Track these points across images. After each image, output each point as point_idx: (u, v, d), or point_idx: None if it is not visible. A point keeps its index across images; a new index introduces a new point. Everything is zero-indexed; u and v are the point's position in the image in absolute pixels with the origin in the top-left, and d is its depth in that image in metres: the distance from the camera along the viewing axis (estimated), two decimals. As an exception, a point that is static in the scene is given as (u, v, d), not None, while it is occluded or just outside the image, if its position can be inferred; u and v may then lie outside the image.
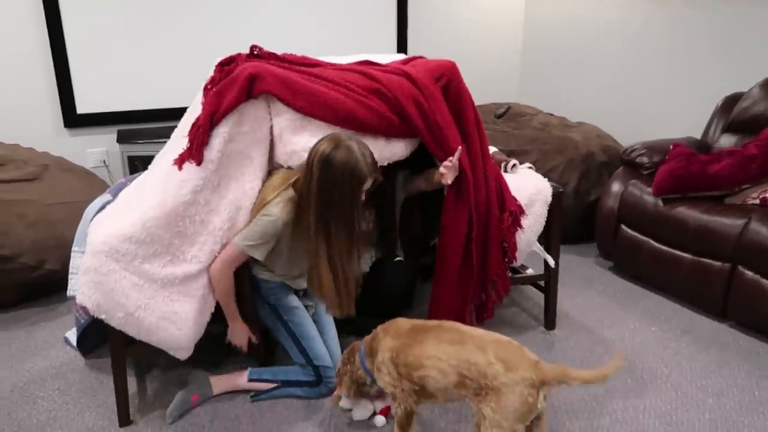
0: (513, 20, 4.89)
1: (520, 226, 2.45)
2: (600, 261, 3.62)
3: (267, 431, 2.17)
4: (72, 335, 2.63)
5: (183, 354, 2.16)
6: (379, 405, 2.21)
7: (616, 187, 3.43)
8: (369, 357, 2.00)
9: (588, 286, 3.30)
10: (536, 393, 1.71)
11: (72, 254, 2.39)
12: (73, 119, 4.10)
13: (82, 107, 4.11)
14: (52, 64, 3.92)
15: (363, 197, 2.04)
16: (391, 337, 1.93)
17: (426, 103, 2.25)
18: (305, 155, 2.13)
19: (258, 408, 2.30)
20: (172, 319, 2.08)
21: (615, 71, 4.27)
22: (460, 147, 2.25)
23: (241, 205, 2.13)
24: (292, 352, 2.30)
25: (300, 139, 2.16)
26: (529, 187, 2.57)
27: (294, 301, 2.32)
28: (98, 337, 2.56)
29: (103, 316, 2.01)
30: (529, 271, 3.11)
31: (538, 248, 2.66)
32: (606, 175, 3.68)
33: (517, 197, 2.49)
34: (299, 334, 2.27)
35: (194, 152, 2.04)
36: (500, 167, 2.62)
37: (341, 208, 1.99)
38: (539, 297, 3.09)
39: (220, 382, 2.33)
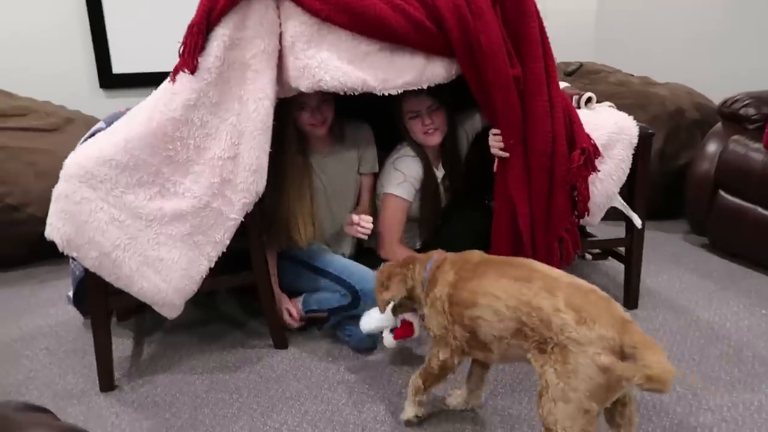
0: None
1: (594, 169, 1.94)
2: (691, 238, 3.02)
3: (270, 406, 1.77)
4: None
5: (169, 311, 1.80)
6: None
7: (712, 147, 2.84)
8: (428, 289, 1.58)
9: (675, 264, 2.73)
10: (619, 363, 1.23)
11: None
12: (108, 79, 3.90)
13: (118, 67, 3.90)
14: (88, 23, 3.72)
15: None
16: (456, 270, 1.52)
17: (471, 19, 1.79)
18: (320, 74, 1.72)
19: (263, 379, 1.91)
20: (156, 266, 1.72)
21: (704, 23, 3.65)
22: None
23: (244, 130, 1.75)
24: (325, 285, 2.07)
25: (316, 53, 1.74)
26: (608, 124, 2.06)
27: (321, 249, 2.16)
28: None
29: (74, 254, 1.67)
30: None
31: (620, 203, 2.14)
32: (699, 136, 3.08)
33: (593, 136, 1.99)
34: (325, 265, 2.08)
35: (187, 58, 1.67)
36: (571, 101, 2.12)
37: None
38: (615, 272, 2.56)
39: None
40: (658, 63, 3.94)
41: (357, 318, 1.92)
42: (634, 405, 1.36)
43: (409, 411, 1.63)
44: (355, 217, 2.01)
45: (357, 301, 2.00)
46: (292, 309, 2.12)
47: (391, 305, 1.71)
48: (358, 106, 2.24)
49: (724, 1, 3.58)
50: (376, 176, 2.25)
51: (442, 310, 1.51)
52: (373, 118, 2.28)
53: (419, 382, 1.61)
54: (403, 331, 1.80)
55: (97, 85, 3.88)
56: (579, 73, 3.66)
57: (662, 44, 3.98)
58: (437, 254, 1.63)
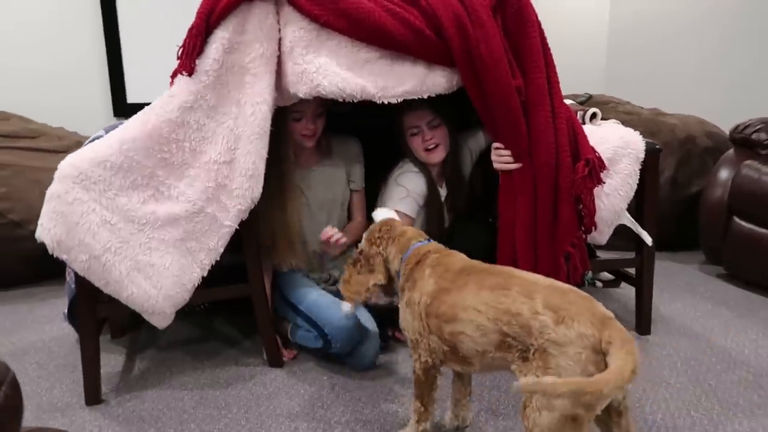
0: (598, 12, 4.40)
1: (600, 182, 1.88)
2: (706, 268, 2.92)
3: (259, 423, 1.68)
4: (70, 309, 2.30)
5: (159, 320, 1.74)
6: None
7: (725, 173, 2.78)
8: (405, 284, 1.49)
9: (690, 292, 2.63)
10: (603, 362, 1.14)
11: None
12: (123, 108, 3.97)
13: (133, 97, 3.98)
14: (105, 56, 3.81)
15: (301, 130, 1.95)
16: (435, 278, 1.43)
17: (471, 28, 1.78)
18: (318, 79, 1.71)
19: (255, 396, 1.82)
20: (147, 272, 1.68)
21: (712, 56, 3.64)
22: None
23: (241, 134, 1.73)
24: (301, 322, 2.01)
25: (315, 58, 1.74)
26: (613, 138, 2.02)
27: (298, 280, 2.10)
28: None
29: (64, 257, 1.63)
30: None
31: (629, 220, 2.07)
32: (711, 163, 3.01)
33: (598, 150, 1.94)
34: (298, 301, 2.02)
35: (185, 60, 1.67)
36: (576, 116, 2.08)
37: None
38: (627, 299, 2.46)
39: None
40: (668, 96, 3.92)
41: None
42: (630, 415, 1.27)
43: None
44: (325, 233, 1.93)
45: (329, 345, 1.93)
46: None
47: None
48: (356, 125, 2.24)
49: (732, 32, 3.58)
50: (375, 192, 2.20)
51: (418, 316, 1.43)
52: (371, 137, 2.27)
53: (417, 404, 1.51)
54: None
55: (111, 113, 3.94)
56: (588, 104, 3.64)
57: (672, 78, 3.97)
58: (416, 241, 1.54)
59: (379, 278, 1.56)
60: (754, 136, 2.70)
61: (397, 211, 2.07)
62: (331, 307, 1.94)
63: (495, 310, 1.27)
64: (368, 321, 1.99)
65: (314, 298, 2.01)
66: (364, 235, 1.64)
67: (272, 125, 1.78)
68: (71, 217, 1.61)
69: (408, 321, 1.47)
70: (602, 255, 2.43)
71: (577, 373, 1.15)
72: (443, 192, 2.20)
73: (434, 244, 1.55)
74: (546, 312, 1.20)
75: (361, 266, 1.60)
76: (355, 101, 1.78)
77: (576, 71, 4.34)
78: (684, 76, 3.89)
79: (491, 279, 1.34)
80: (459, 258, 1.49)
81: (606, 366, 1.14)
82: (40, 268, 2.79)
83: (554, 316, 1.19)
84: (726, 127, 3.35)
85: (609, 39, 4.44)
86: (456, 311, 1.33)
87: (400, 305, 1.52)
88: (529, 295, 1.24)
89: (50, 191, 1.63)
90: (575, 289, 1.29)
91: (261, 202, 1.81)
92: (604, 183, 1.90)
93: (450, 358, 1.39)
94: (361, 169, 2.19)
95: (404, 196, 2.08)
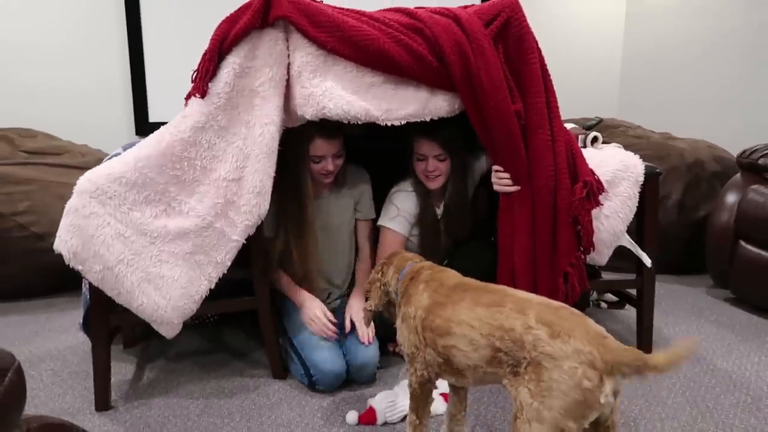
0: (612, 37, 4.44)
1: (598, 203, 1.92)
2: (714, 292, 2.92)
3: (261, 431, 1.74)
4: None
5: (168, 330, 1.81)
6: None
7: (732, 197, 2.79)
8: (401, 301, 1.55)
9: (696, 316, 2.63)
10: (598, 379, 1.17)
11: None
12: (144, 127, 4.09)
13: (155, 116, 4.10)
14: (130, 76, 3.95)
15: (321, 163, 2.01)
16: (429, 292, 1.48)
17: (471, 55, 1.85)
18: (324, 102, 1.79)
19: (257, 406, 1.88)
20: (157, 283, 1.76)
21: (725, 82, 3.66)
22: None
23: (249, 153, 1.81)
24: (292, 356, 2.06)
25: (321, 82, 1.82)
26: (613, 162, 2.06)
27: (297, 313, 2.12)
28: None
29: (79, 268, 1.72)
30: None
31: (629, 242, 2.10)
32: (719, 188, 3.03)
33: (597, 172, 1.98)
34: (293, 335, 2.07)
35: (198, 83, 1.76)
36: (577, 141, 2.13)
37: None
38: (630, 320, 2.48)
39: None
40: (680, 120, 3.95)
41: None
42: (618, 426, 1.29)
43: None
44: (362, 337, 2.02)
45: (313, 386, 1.96)
46: (321, 316, 2.03)
47: (380, 307, 1.68)
48: (365, 148, 2.31)
49: (745, 59, 3.60)
50: (373, 222, 2.25)
51: (414, 330, 1.47)
52: (381, 160, 2.34)
53: (413, 416, 1.55)
54: (366, 417, 1.76)
55: (134, 131, 4.07)
56: (598, 128, 3.67)
57: (684, 103, 3.99)
58: (412, 261, 1.62)
59: (371, 304, 1.66)
60: (761, 161, 2.71)
61: (388, 228, 2.15)
62: (322, 350, 1.97)
63: (489, 326, 1.30)
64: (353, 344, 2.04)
65: (308, 335, 2.04)
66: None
67: (290, 164, 1.92)
68: (87, 229, 1.71)
69: (404, 336, 1.52)
70: (605, 276, 2.45)
71: (571, 388, 1.17)
72: (439, 212, 2.25)
73: (428, 263, 1.61)
74: (539, 327, 1.23)
75: (367, 292, 1.70)
76: (359, 123, 1.85)
77: (590, 95, 4.38)
78: (696, 101, 3.91)
79: (487, 296, 1.38)
80: (452, 274, 1.55)
81: (601, 383, 1.17)
82: (60, 280, 2.88)
83: (549, 331, 1.22)
84: (736, 152, 3.37)
85: (623, 64, 4.48)
86: (450, 325, 1.37)
87: (397, 323, 1.58)
88: (522, 311, 1.28)
89: (69, 205, 1.72)
90: (567, 306, 1.32)
91: (281, 235, 2.04)
92: (602, 205, 1.94)
93: (444, 370, 1.43)
94: (369, 200, 2.24)
95: (395, 215, 2.16)
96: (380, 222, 2.17)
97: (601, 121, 3.80)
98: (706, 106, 3.84)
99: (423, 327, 1.45)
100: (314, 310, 2.04)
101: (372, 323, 1.96)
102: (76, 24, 3.73)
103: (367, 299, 1.71)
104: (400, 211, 2.15)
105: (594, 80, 4.46)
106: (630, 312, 2.55)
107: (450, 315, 1.39)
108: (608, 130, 3.66)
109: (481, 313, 1.34)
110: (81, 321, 2.20)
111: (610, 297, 2.69)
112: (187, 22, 3.96)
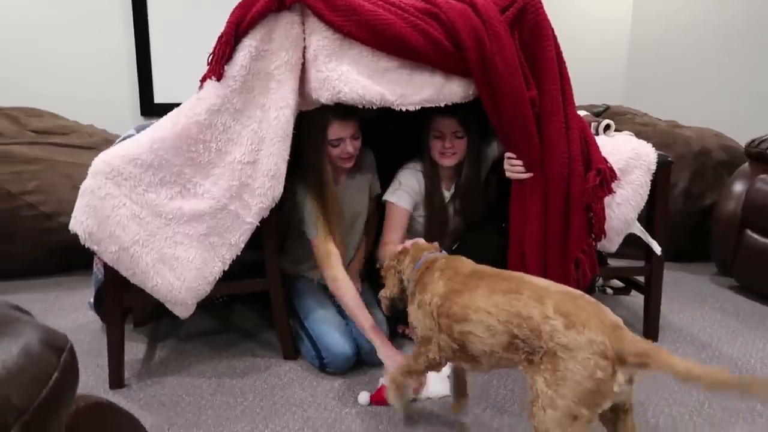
0: (619, 24, 4.42)
1: (611, 191, 1.93)
2: (718, 279, 2.94)
3: (273, 411, 1.76)
4: (95, 299, 2.41)
5: (182, 310, 1.83)
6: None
7: (739, 186, 2.80)
8: (415, 289, 1.58)
9: (700, 303, 2.66)
10: (611, 368, 1.20)
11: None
12: (150, 108, 4.08)
13: (160, 97, 4.08)
14: (135, 56, 3.92)
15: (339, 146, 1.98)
16: (445, 280, 1.50)
17: (487, 41, 1.85)
18: (340, 86, 1.79)
19: (270, 386, 1.91)
20: (172, 264, 1.77)
21: (732, 70, 3.66)
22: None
23: (264, 136, 1.82)
24: (303, 337, 2.07)
25: (337, 66, 1.82)
26: (626, 150, 2.07)
27: (308, 288, 2.16)
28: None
29: (94, 248, 1.74)
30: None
31: (639, 230, 2.11)
32: (725, 176, 3.04)
33: (610, 160, 1.99)
34: (305, 316, 2.08)
35: (214, 65, 1.76)
36: (589, 128, 2.13)
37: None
38: (637, 306, 2.50)
39: None
40: (686, 108, 3.95)
41: None
42: (632, 413, 1.33)
43: (397, 406, 1.63)
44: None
45: (324, 368, 1.97)
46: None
47: (396, 292, 1.71)
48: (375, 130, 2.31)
49: (753, 46, 3.59)
50: (378, 198, 2.27)
51: (430, 314, 1.49)
52: (391, 143, 2.35)
53: (400, 379, 1.59)
54: (377, 397, 1.78)
55: (139, 113, 4.05)
56: (605, 115, 3.67)
57: (691, 90, 3.99)
58: (428, 252, 1.64)
59: (387, 292, 1.68)
60: (768, 151, 2.72)
61: (389, 202, 2.16)
62: (333, 332, 1.99)
63: (506, 313, 1.32)
64: (382, 322, 2.06)
65: (319, 316, 2.05)
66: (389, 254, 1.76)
67: (308, 151, 1.93)
68: (103, 210, 1.71)
69: (419, 319, 1.54)
70: (612, 263, 2.48)
71: (585, 378, 1.19)
72: (448, 194, 2.26)
73: (444, 253, 1.64)
74: (557, 317, 1.25)
75: (381, 279, 1.73)
76: (374, 108, 1.86)
77: (596, 82, 4.38)
78: (703, 88, 3.91)
79: (503, 284, 1.40)
80: (467, 262, 1.57)
81: (614, 372, 1.19)
82: (69, 259, 2.90)
83: (565, 321, 1.24)
84: (743, 141, 3.37)
85: (630, 51, 4.47)
86: (467, 312, 1.39)
87: (410, 308, 1.60)
88: (540, 300, 1.30)
89: (84, 186, 1.73)
90: (585, 295, 1.33)
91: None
92: (614, 193, 1.96)
93: (459, 356, 1.46)
94: (376, 177, 2.27)
95: (396, 188, 2.18)
96: (384, 197, 2.20)
97: (608, 108, 3.81)
98: (713, 94, 3.84)
99: (439, 314, 1.47)
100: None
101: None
102: (80, 3, 3.69)
103: (382, 285, 1.73)
104: (402, 186, 2.17)
105: (601, 66, 4.45)
106: (635, 298, 2.58)
107: (467, 302, 1.41)
108: (615, 118, 3.65)
109: (498, 300, 1.35)
110: (91, 300, 2.22)
111: (615, 283, 2.72)
112: (192, 2, 3.93)
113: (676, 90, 4.11)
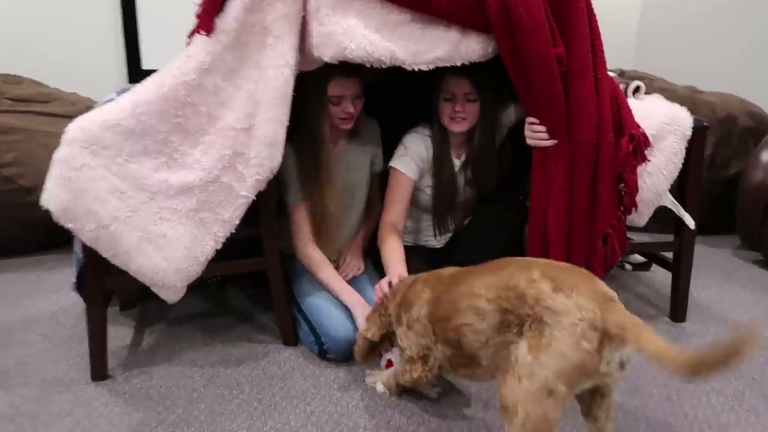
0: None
1: (644, 159, 1.75)
2: (742, 253, 2.79)
3: (272, 405, 1.60)
4: (79, 279, 2.23)
5: (170, 294, 1.65)
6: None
7: (767, 155, 2.62)
8: (401, 310, 1.50)
9: (726, 278, 2.50)
10: (598, 341, 1.08)
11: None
12: (138, 75, 3.86)
13: (148, 63, 3.87)
14: (121, 20, 3.69)
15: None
16: (429, 287, 1.44)
17: None
18: (346, 42, 1.59)
19: (268, 376, 1.74)
20: (158, 243, 1.58)
21: (752, 32, 3.44)
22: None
23: (261, 99, 1.61)
24: (301, 322, 1.91)
25: (342, 20, 1.61)
26: (659, 114, 1.87)
27: (307, 275, 1.97)
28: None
29: (70, 226, 1.54)
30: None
31: (671, 202, 1.94)
32: (752, 145, 2.86)
33: (642, 125, 1.80)
34: (302, 299, 1.92)
35: (204, 18, 1.55)
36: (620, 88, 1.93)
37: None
38: (659, 283, 2.35)
39: None
40: (702, 73, 3.74)
41: None
42: (612, 396, 1.24)
43: (380, 387, 1.63)
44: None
45: (324, 354, 1.81)
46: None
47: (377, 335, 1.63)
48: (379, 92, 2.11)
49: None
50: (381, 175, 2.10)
51: (424, 331, 1.43)
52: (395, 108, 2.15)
53: (392, 382, 1.58)
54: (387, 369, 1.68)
55: (126, 80, 3.84)
56: (619, 80, 3.47)
57: (708, 54, 3.78)
58: (403, 283, 1.59)
59: (369, 333, 1.59)
60: (801, 117, 2.53)
61: (393, 168, 1.97)
62: (332, 316, 1.82)
63: (494, 289, 1.24)
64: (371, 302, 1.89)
65: (319, 299, 1.88)
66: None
67: (306, 107, 1.72)
68: (78, 183, 1.51)
69: (411, 339, 1.46)
70: (634, 237, 2.31)
71: (570, 348, 1.08)
72: (458, 162, 2.07)
73: (421, 275, 1.56)
74: (543, 280, 1.17)
75: (367, 320, 1.65)
76: (383, 67, 1.65)
77: (605, 45, 4.18)
78: (721, 52, 3.70)
79: (490, 266, 1.34)
80: (449, 268, 1.50)
81: (601, 347, 1.08)
82: (50, 236, 2.71)
83: (552, 284, 1.16)
84: (766, 108, 3.18)
85: (642, 12, 4.24)
86: (456, 303, 1.32)
87: (398, 331, 1.52)
88: (526, 268, 1.23)
89: (57, 156, 1.52)
90: (575, 266, 1.25)
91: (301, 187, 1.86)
92: (648, 161, 1.77)
93: (455, 362, 1.37)
94: (381, 151, 2.10)
95: (402, 154, 1.98)
96: (389, 163, 2.00)
97: (623, 72, 3.60)
98: (736, 57, 3.63)
99: (432, 321, 1.40)
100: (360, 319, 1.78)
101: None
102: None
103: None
104: (408, 151, 1.97)
105: (610, 29, 4.25)
106: (656, 274, 2.42)
107: (453, 296, 1.34)
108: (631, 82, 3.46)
109: (486, 279, 1.28)
110: (74, 280, 2.04)
111: (635, 258, 2.55)
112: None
113: (691, 53, 3.89)
